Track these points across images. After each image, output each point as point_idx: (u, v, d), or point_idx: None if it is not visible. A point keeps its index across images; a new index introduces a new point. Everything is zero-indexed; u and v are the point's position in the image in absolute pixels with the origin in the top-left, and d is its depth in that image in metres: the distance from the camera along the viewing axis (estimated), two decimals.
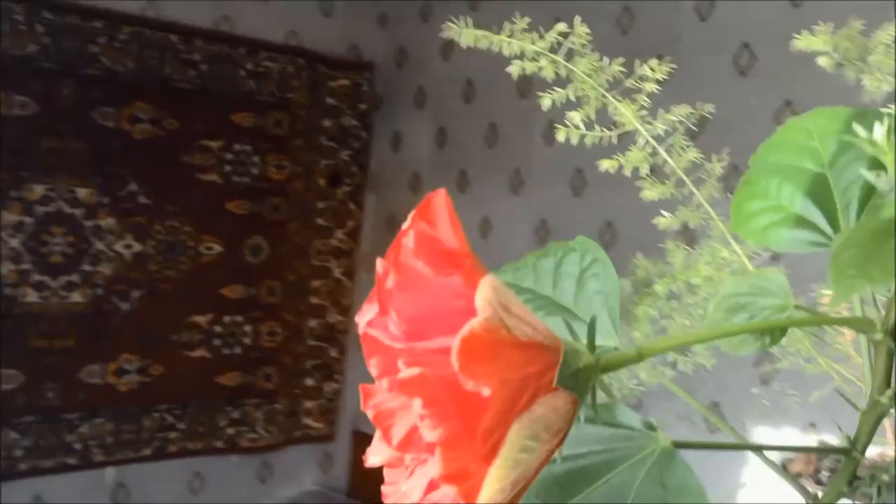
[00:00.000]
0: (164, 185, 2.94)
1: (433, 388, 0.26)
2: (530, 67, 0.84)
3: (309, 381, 3.42)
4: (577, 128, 0.81)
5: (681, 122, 0.78)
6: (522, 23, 0.81)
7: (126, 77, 2.85)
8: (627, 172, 0.79)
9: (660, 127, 0.79)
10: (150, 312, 2.91)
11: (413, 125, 3.49)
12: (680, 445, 0.33)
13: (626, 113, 0.79)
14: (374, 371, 0.29)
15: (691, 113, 0.80)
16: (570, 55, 0.82)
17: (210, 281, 3.07)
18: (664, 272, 0.94)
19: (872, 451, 0.72)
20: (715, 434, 2.29)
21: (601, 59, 0.81)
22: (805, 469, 0.72)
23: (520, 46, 0.80)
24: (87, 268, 2.82)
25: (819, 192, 0.41)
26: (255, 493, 3.21)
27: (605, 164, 0.80)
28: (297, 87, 3.28)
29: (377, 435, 0.33)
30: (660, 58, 0.79)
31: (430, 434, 0.26)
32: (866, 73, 0.88)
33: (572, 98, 0.82)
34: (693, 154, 0.80)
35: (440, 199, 0.29)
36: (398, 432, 0.28)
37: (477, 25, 0.82)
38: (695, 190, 0.78)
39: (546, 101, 0.84)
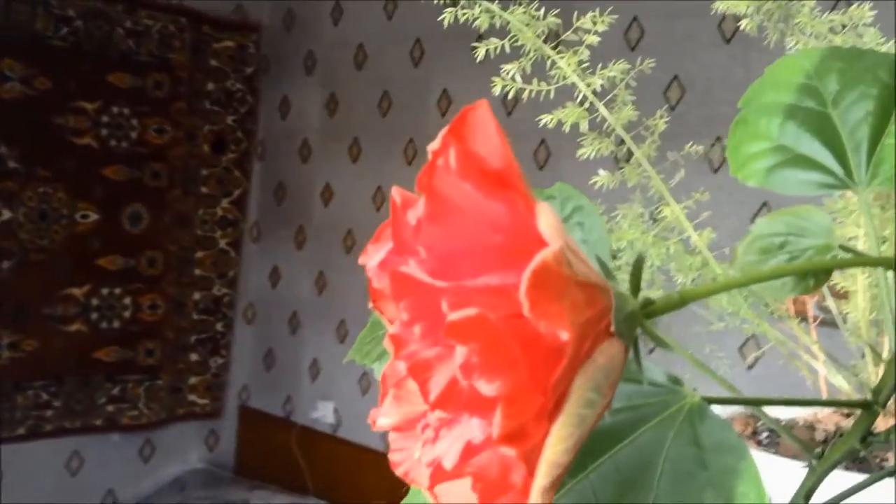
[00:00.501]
0: (36, 149, 2.75)
1: (493, 333, 0.22)
2: (464, 16, 0.80)
3: (193, 356, 3.29)
4: (513, 80, 0.77)
5: (621, 79, 0.76)
6: None
7: None
8: (566, 128, 0.77)
9: (597, 82, 0.77)
10: (22, 284, 2.73)
11: (302, 91, 3.39)
12: (711, 401, 0.30)
13: (564, 67, 0.76)
14: (404, 316, 0.25)
15: (629, 69, 0.78)
16: (505, 5, 0.79)
17: (86, 251, 2.90)
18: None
19: (805, 413, 0.72)
20: None
21: (538, 10, 0.77)
22: (743, 430, 0.72)
23: None
24: None
25: (825, 131, 0.39)
26: (137, 472, 3.07)
27: (545, 119, 0.77)
28: (179, 48, 3.12)
29: (390, 394, 0.28)
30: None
31: (486, 387, 0.22)
32: (789, 35, 0.88)
33: (507, 49, 0.79)
34: (629, 112, 0.78)
35: (483, 112, 0.24)
36: (436, 386, 0.24)
37: None
38: (634, 147, 0.76)
39: (481, 51, 0.80)
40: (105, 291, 2.97)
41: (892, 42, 0.76)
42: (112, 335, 2.98)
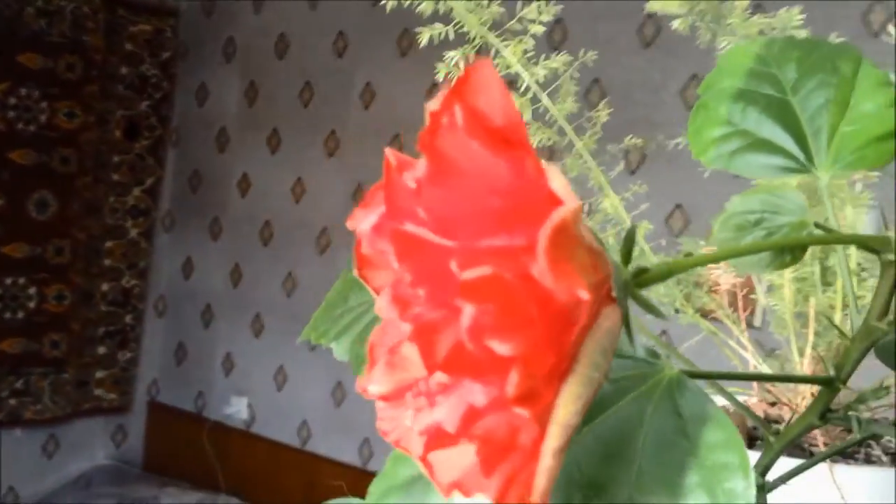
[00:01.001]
0: None
1: (509, 292, 0.22)
2: (407, 3, 0.79)
3: (101, 349, 3.18)
4: (456, 67, 0.77)
5: (565, 70, 0.77)
6: None
7: None
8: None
9: (540, 73, 0.78)
10: None
11: (221, 78, 3.32)
12: (691, 375, 0.31)
13: (508, 56, 0.77)
14: (407, 277, 0.24)
15: (572, 61, 0.79)
16: None
17: None
18: None
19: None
20: None
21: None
22: None
23: None
24: None
25: (785, 117, 0.40)
26: (40, 468, 2.96)
27: None
28: (93, 30, 3.02)
29: (381, 361, 0.28)
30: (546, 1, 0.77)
31: (501, 347, 0.22)
32: (721, 36, 0.91)
33: (451, 36, 0.78)
34: (571, 103, 0.79)
35: (487, 70, 0.24)
36: (442, 349, 0.24)
37: None
38: (575, 138, 0.77)
39: (424, 37, 0.79)
40: (9, 280, 2.85)
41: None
42: (16, 326, 2.86)
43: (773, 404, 0.72)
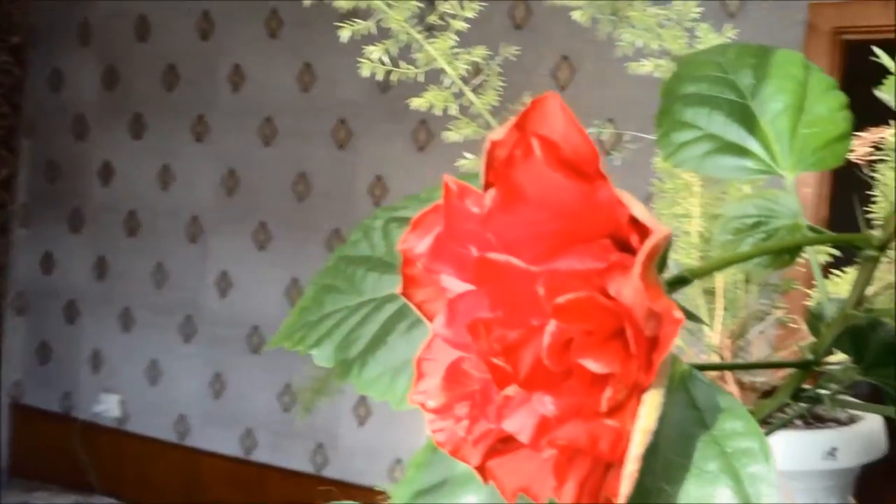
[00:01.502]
0: None
1: (601, 314, 0.23)
2: None
3: None
4: (382, 63, 0.78)
5: (487, 64, 0.78)
6: None
7: None
8: (437, 111, 0.78)
9: (462, 67, 0.79)
10: None
11: (76, 63, 3.15)
12: (701, 367, 0.33)
13: (432, 51, 0.78)
14: (484, 301, 0.25)
15: (488, 55, 0.81)
16: None
17: None
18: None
19: None
20: None
21: None
22: None
23: None
24: None
25: (748, 121, 0.43)
26: None
27: (416, 103, 0.78)
28: None
29: (436, 377, 0.29)
30: None
31: (594, 365, 0.24)
32: (621, 29, 0.95)
33: (374, 31, 0.79)
34: (492, 96, 0.81)
35: (555, 102, 0.25)
36: (524, 366, 0.25)
37: None
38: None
39: (345, 33, 0.79)
40: None
41: (726, 35, 0.84)
42: None
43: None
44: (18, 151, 3.13)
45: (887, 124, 0.77)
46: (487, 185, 0.28)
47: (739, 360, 0.72)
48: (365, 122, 2.69)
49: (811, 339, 0.81)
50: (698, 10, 0.91)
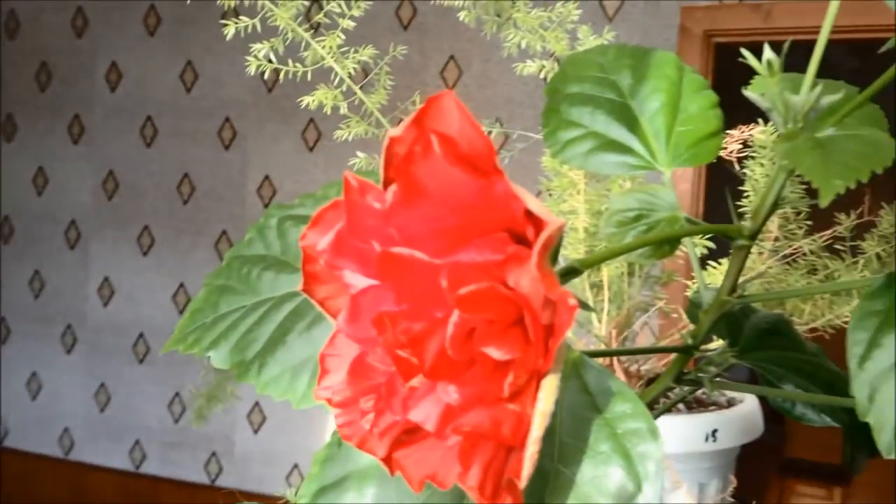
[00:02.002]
0: None
1: (502, 304, 0.25)
2: None
3: None
4: (269, 61, 0.77)
5: (376, 63, 0.79)
6: None
7: None
8: (328, 110, 0.78)
9: (351, 66, 0.79)
10: None
11: None
12: (591, 354, 0.35)
13: (319, 49, 0.78)
14: (389, 294, 0.26)
15: (375, 54, 0.82)
16: None
17: None
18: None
19: None
20: None
21: None
22: None
23: None
24: None
25: (628, 120, 0.45)
26: None
27: (306, 101, 0.78)
28: None
29: (342, 371, 0.29)
30: None
31: (497, 353, 0.25)
32: (506, 30, 0.97)
33: (259, 28, 0.78)
34: (382, 95, 0.81)
35: (451, 100, 0.26)
36: (428, 356, 0.26)
37: None
38: (391, 129, 0.80)
39: (230, 30, 0.78)
40: None
41: (605, 36, 0.87)
42: None
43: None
44: None
45: (756, 123, 0.82)
46: (387, 182, 0.29)
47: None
48: (251, 122, 2.65)
49: (692, 327, 0.85)
50: (578, 11, 0.94)
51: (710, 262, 0.84)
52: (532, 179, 0.91)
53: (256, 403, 2.61)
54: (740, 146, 0.83)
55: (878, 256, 0.71)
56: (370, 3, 0.84)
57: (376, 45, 0.81)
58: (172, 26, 2.73)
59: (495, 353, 0.25)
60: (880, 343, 0.32)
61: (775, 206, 0.35)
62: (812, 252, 0.75)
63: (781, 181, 0.35)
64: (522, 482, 0.26)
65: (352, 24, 0.78)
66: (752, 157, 0.84)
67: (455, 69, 2.53)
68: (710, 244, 0.84)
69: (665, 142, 0.44)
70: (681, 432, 0.74)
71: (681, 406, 0.75)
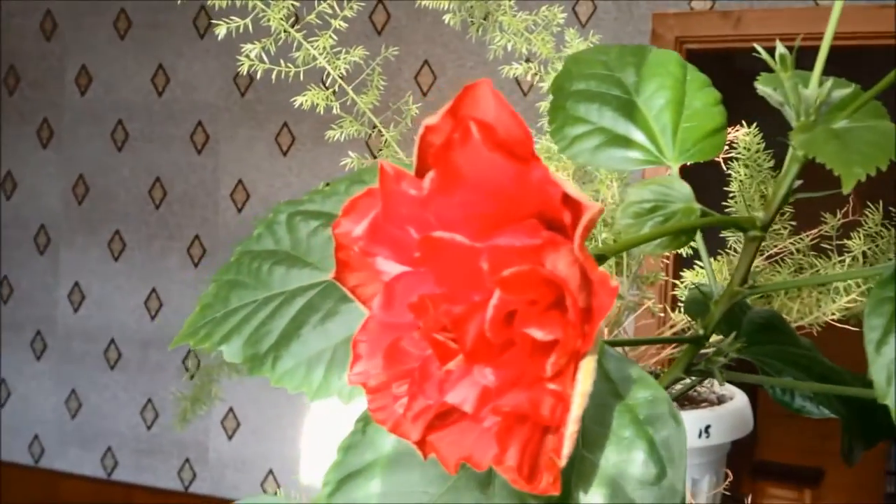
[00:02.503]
0: None
1: (542, 285, 0.25)
2: None
3: None
4: (261, 61, 0.77)
5: (368, 63, 0.79)
6: None
7: None
8: (321, 110, 0.78)
9: (342, 66, 0.79)
10: None
11: None
12: (609, 343, 0.36)
13: (311, 49, 0.78)
14: (428, 279, 0.26)
15: (366, 55, 0.82)
16: None
17: None
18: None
19: None
20: None
21: None
22: None
23: None
24: None
25: (634, 116, 0.46)
26: None
27: (300, 100, 0.78)
28: None
29: (377, 356, 0.30)
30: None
31: (539, 333, 0.25)
32: (491, 32, 0.98)
33: (243, 30, 0.78)
34: (374, 95, 0.82)
35: (487, 88, 0.27)
36: (469, 338, 0.26)
37: None
38: (383, 129, 0.80)
39: (221, 30, 0.78)
40: None
41: (591, 39, 0.88)
42: None
43: None
44: None
45: (739, 125, 0.83)
46: (420, 170, 0.29)
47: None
48: (224, 127, 2.64)
49: (679, 324, 0.86)
50: (563, 15, 0.96)
51: (697, 262, 0.85)
52: None
53: (230, 409, 2.59)
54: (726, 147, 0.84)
55: (864, 255, 0.72)
56: (353, 4, 0.84)
57: (349, 50, 0.82)
58: (143, 29, 2.71)
59: (538, 333, 0.25)
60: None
61: (787, 197, 0.36)
62: (798, 251, 0.76)
63: (794, 172, 0.36)
64: (563, 461, 0.27)
65: (343, 24, 0.79)
66: (737, 159, 0.85)
67: (429, 74, 2.53)
68: (694, 244, 0.85)
69: (672, 137, 0.45)
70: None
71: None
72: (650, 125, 0.46)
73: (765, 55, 0.35)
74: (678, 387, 0.53)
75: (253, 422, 2.56)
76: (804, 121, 0.34)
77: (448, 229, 0.27)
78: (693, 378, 0.45)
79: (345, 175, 0.49)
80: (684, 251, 0.85)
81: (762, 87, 0.36)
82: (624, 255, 0.71)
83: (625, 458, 0.33)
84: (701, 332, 0.41)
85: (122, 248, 2.75)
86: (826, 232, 0.76)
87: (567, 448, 0.26)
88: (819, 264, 0.75)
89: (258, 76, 0.79)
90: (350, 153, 0.80)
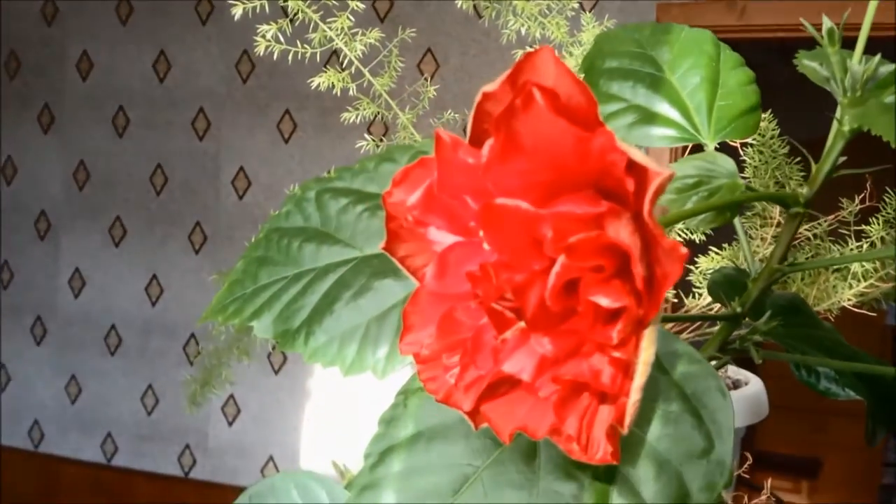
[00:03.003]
0: None
1: (607, 253, 0.25)
2: None
3: None
4: (278, 42, 0.77)
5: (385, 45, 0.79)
6: None
7: None
8: (337, 91, 0.78)
9: (359, 47, 0.79)
10: None
11: None
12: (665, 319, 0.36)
13: (328, 31, 0.77)
14: (486, 247, 0.26)
15: (381, 37, 0.82)
16: None
17: None
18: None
19: None
20: None
21: None
22: None
23: None
24: None
25: (669, 94, 0.46)
26: None
27: (317, 81, 0.77)
28: None
29: (430, 326, 0.30)
30: None
31: (606, 300, 0.25)
32: (505, 15, 0.98)
33: (267, 9, 0.78)
34: (388, 78, 0.81)
35: (548, 55, 0.27)
36: (530, 306, 0.26)
37: None
38: (399, 112, 0.80)
39: (237, 10, 0.78)
40: None
41: (605, 24, 0.88)
42: None
43: None
44: None
45: None
46: (475, 138, 0.29)
47: None
48: (226, 113, 2.63)
49: (693, 309, 0.86)
50: (574, 3, 0.95)
51: (712, 248, 0.85)
52: None
53: (231, 396, 2.58)
54: None
55: (883, 240, 0.72)
56: None
57: (352, 36, 0.81)
58: (145, 15, 2.69)
59: (605, 301, 0.25)
60: None
61: (831, 172, 0.36)
62: (816, 236, 0.76)
63: (840, 148, 0.35)
64: (625, 429, 0.26)
65: (361, 6, 0.78)
66: (751, 145, 0.85)
67: (432, 62, 2.52)
68: (709, 231, 0.85)
69: (707, 115, 0.45)
70: None
71: None
72: (685, 103, 0.45)
73: (811, 29, 0.35)
74: None
75: (253, 408, 2.56)
76: (854, 95, 0.34)
77: (512, 197, 0.27)
78: (726, 357, 0.45)
79: (374, 154, 0.49)
80: (697, 237, 0.85)
81: (807, 62, 0.36)
82: None
83: (671, 431, 0.33)
84: (738, 309, 0.41)
85: (122, 235, 2.74)
86: (844, 217, 0.76)
87: (630, 416, 0.26)
88: (836, 250, 0.75)
89: (262, 60, 0.79)
90: (366, 135, 0.80)
